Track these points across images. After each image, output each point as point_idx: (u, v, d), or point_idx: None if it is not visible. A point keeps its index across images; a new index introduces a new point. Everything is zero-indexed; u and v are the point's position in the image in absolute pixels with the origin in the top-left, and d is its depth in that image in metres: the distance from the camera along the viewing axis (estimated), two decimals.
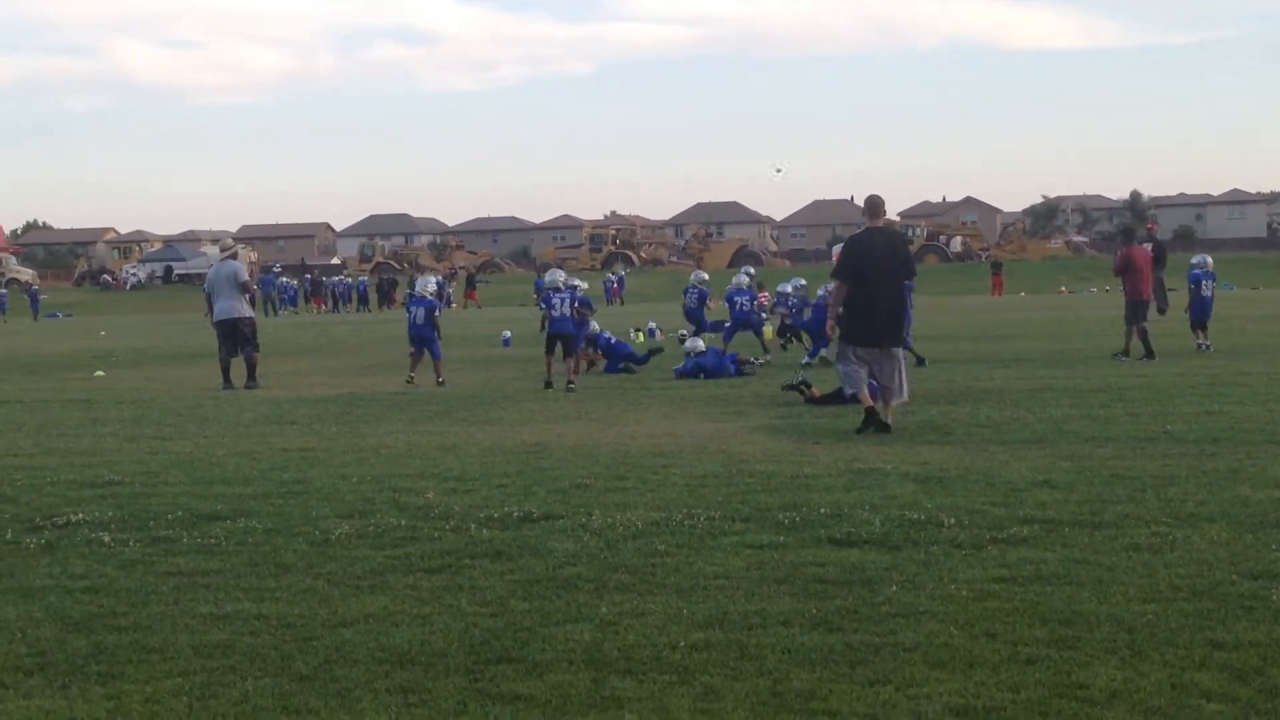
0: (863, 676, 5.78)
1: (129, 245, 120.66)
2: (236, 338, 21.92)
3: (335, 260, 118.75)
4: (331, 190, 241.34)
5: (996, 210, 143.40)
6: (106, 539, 8.98)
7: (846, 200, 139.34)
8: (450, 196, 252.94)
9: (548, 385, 20.19)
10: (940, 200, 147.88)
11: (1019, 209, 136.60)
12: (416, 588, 7.53)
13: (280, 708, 5.59)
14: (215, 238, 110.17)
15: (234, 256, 23.28)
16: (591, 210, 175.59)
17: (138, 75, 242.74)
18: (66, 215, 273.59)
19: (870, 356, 14.06)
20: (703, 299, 28.81)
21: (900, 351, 14.32)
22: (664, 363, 24.19)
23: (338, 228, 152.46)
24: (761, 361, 23.38)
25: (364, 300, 74.83)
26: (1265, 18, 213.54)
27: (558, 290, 21.21)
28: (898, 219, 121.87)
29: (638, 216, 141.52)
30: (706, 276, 30.25)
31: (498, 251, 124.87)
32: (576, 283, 23.47)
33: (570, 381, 20.27)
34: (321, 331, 43.38)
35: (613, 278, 69.79)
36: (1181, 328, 25.67)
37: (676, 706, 5.49)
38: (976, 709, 5.36)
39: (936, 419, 14.55)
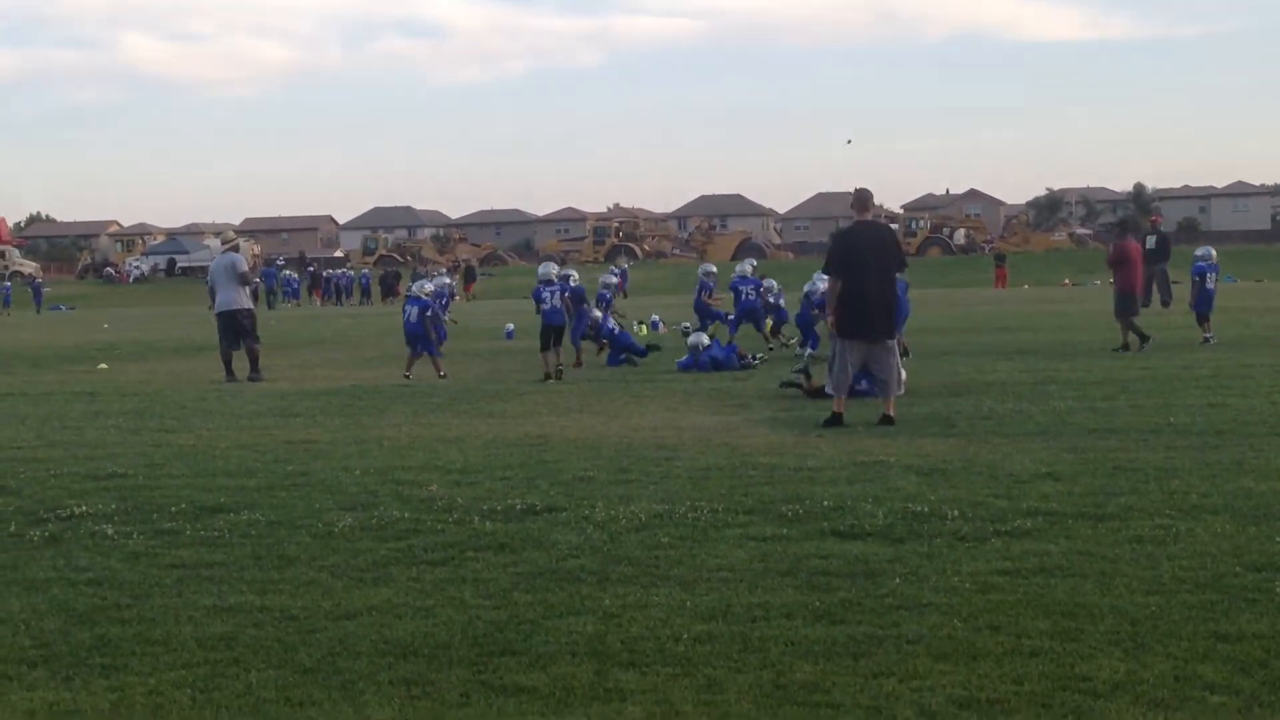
0: (866, 668, 5.79)
1: (132, 238, 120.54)
2: (236, 330, 21.93)
3: (338, 253, 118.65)
4: (335, 183, 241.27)
5: (1000, 203, 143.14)
6: (110, 531, 8.99)
7: (850, 193, 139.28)
8: (454, 189, 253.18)
9: (546, 378, 20.49)
10: (944, 192, 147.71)
11: (1023, 201, 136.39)
12: (420, 580, 7.53)
13: (283, 699, 5.60)
14: (218, 231, 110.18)
15: (235, 249, 23.28)
16: (595, 203, 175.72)
17: (143, 68, 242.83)
18: (70, 208, 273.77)
19: (864, 350, 14.03)
20: (704, 290, 28.72)
21: (894, 344, 14.30)
22: (667, 355, 24.20)
23: (341, 220, 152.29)
24: (762, 356, 23.33)
25: (366, 293, 74.83)
26: (1270, 10, 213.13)
27: (549, 283, 21.70)
28: (901, 211, 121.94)
29: (641, 209, 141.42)
30: (714, 269, 30.20)
31: (501, 244, 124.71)
32: (569, 273, 23.60)
33: (559, 368, 20.75)
34: (324, 324, 43.40)
35: (616, 271, 69.66)
36: (1186, 320, 25.65)
37: (679, 698, 5.50)
38: (980, 701, 5.36)
39: (940, 411, 14.54)
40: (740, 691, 5.56)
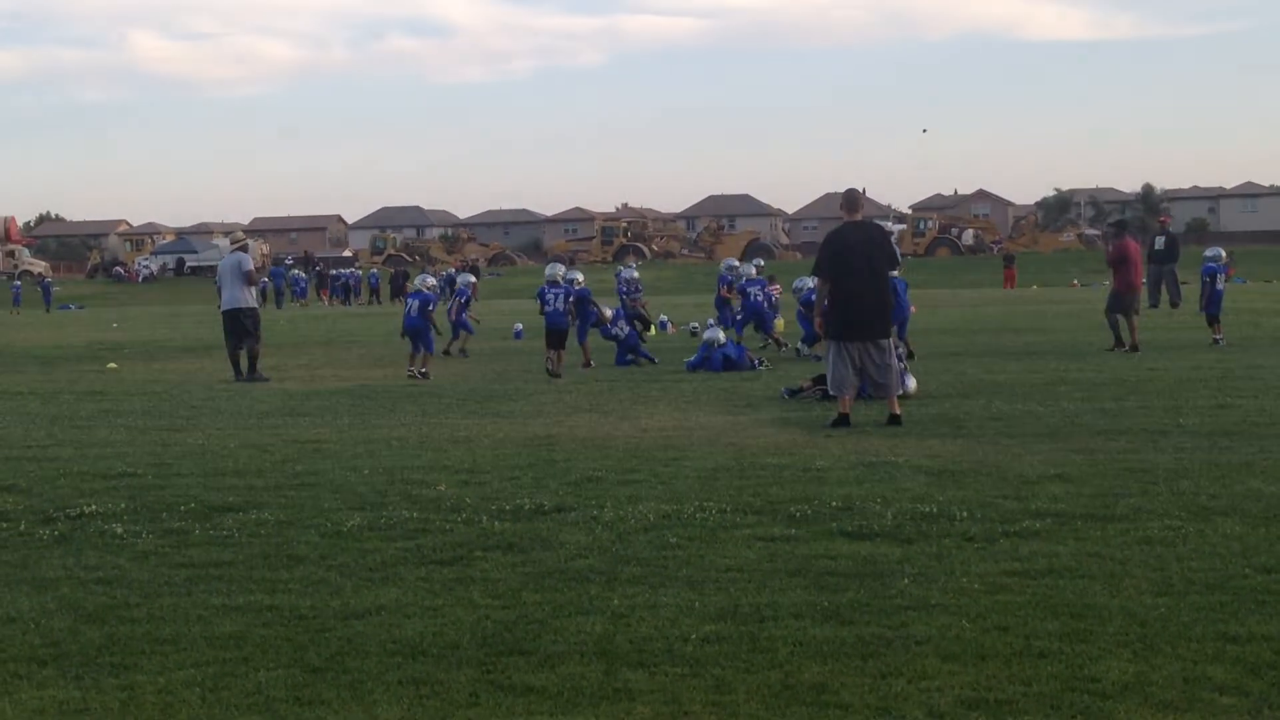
0: (874, 669, 5.78)
1: (141, 237, 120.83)
2: (239, 329, 21.97)
3: (347, 252, 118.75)
4: (343, 182, 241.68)
5: (1008, 203, 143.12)
6: (119, 530, 9.00)
7: (861, 194, 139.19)
8: (462, 189, 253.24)
9: (554, 376, 20.87)
10: (952, 193, 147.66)
11: (1031, 201, 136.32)
12: (428, 580, 7.54)
13: (293, 698, 5.61)
14: (227, 230, 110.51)
15: (243, 249, 23.33)
16: (603, 203, 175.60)
17: (151, 67, 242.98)
18: (79, 207, 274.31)
19: (860, 351, 13.99)
20: (722, 284, 28.50)
21: (889, 343, 14.25)
22: (675, 356, 24.19)
23: (349, 220, 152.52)
24: (767, 365, 23.23)
25: (375, 292, 74.83)
26: (1278, 10, 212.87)
27: (554, 284, 22.26)
28: (910, 211, 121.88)
29: (649, 209, 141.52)
30: (736, 263, 30.04)
31: (509, 244, 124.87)
32: (575, 275, 23.66)
33: (558, 370, 21.18)
34: (333, 324, 43.44)
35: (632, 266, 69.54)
36: (1195, 320, 25.62)
37: (688, 699, 5.50)
38: (988, 702, 5.36)
39: (948, 412, 14.54)
40: (749, 692, 5.56)
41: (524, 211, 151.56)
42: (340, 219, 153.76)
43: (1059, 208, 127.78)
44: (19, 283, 78.66)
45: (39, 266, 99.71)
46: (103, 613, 7.01)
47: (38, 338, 39.06)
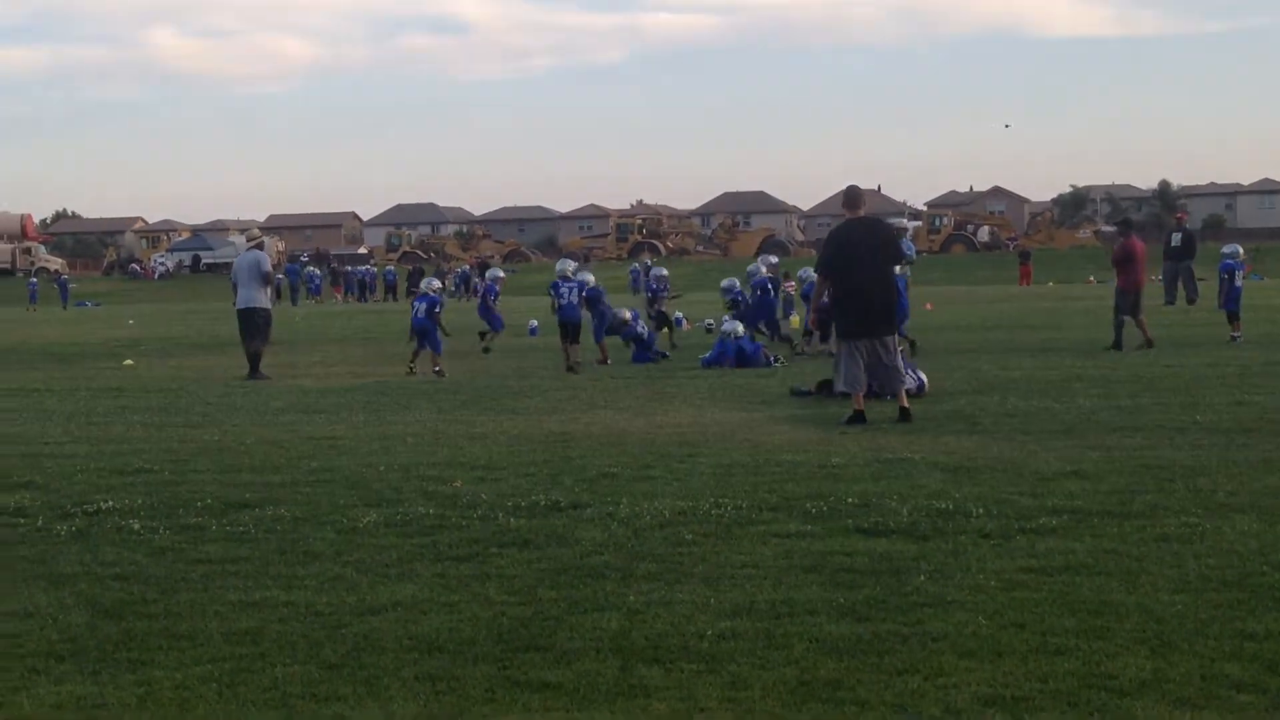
0: (890, 666, 5.78)
1: (157, 235, 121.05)
2: (250, 327, 22.02)
3: (362, 249, 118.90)
4: (359, 179, 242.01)
5: (1024, 200, 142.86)
6: (136, 526, 9.03)
7: (874, 190, 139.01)
8: (477, 186, 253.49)
9: (570, 369, 21.32)
10: (968, 190, 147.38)
11: (1047, 198, 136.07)
12: (444, 576, 7.55)
13: (309, 695, 5.62)
14: (243, 227, 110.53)
15: (260, 247, 23.37)
16: (618, 200, 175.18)
17: (168, 64, 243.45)
18: (96, 205, 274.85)
19: (866, 349, 13.97)
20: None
21: (894, 340, 14.22)
22: (690, 352, 24.20)
23: (365, 217, 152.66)
24: (782, 362, 23.22)
25: (391, 289, 74.86)
26: None
27: (566, 279, 22.77)
28: (925, 208, 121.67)
29: (664, 206, 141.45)
30: (776, 260, 29.90)
31: (524, 240, 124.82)
32: (586, 277, 23.75)
33: (576, 363, 21.68)
34: (348, 320, 43.49)
35: (639, 267, 69.54)
36: (1212, 317, 25.55)
37: (704, 695, 5.50)
38: (1005, 699, 5.35)
39: (964, 409, 14.52)
40: (765, 688, 5.56)
41: (539, 208, 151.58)
42: (355, 216, 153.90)
43: (1075, 204, 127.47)
44: (35, 279, 78.87)
45: (55, 263, 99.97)
46: (120, 608, 7.03)
47: (54, 335, 39.16)
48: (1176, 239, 36.65)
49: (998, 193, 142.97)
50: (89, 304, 74.53)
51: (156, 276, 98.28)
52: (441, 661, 6.00)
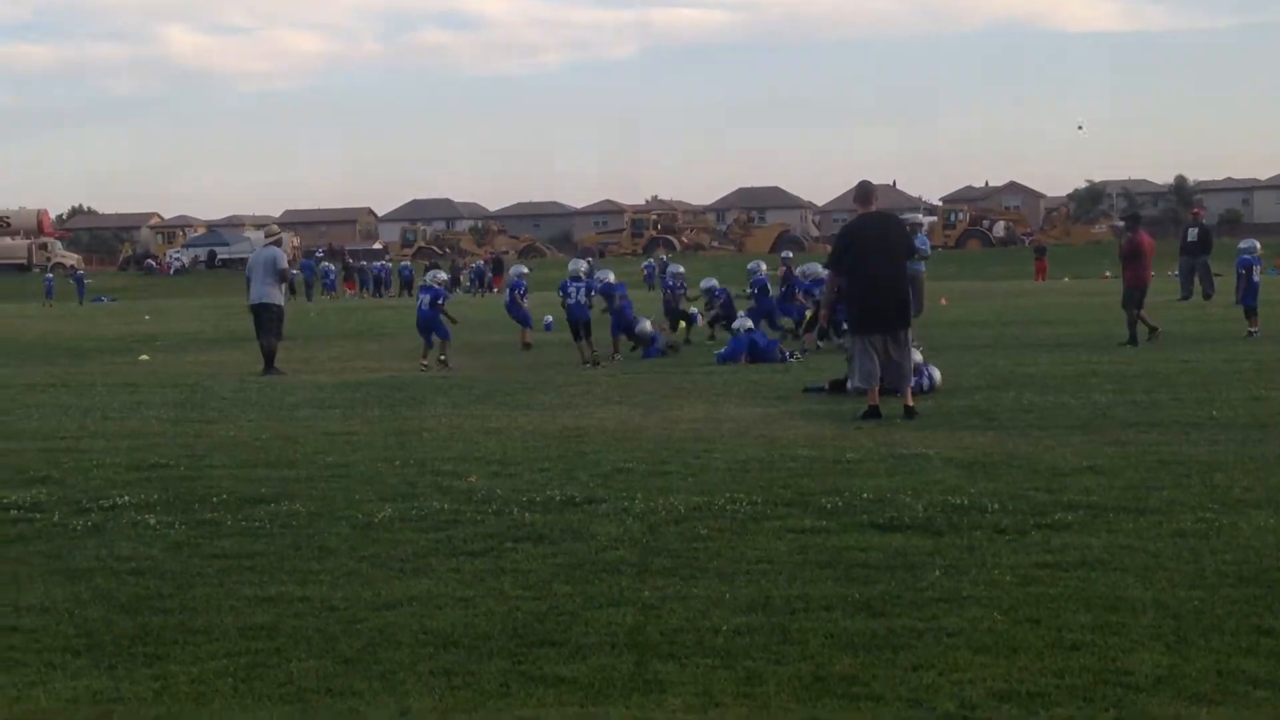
0: (906, 661, 5.78)
1: (173, 230, 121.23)
2: (262, 323, 22.05)
3: (377, 245, 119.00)
4: (373, 175, 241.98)
5: (1040, 195, 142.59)
6: (152, 521, 9.05)
7: (889, 185, 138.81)
8: (492, 181, 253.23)
9: (584, 364, 21.57)
10: (983, 185, 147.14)
11: (1063, 193, 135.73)
12: (459, 571, 7.55)
13: (325, 689, 5.63)
14: (259, 223, 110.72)
15: (277, 243, 23.40)
16: (633, 195, 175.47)
17: (182, 60, 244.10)
18: (111, 200, 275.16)
19: (881, 342, 13.94)
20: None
21: (907, 336, 14.18)
22: (705, 348, 24.19)
23: (380, 213, 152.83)
24: (797, 357, 23.19)
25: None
26: None
27: (576, 279, 22.98)
28: (940, 203, 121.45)
29: (679, 201, 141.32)
30: (789, 255, 29.91)
31: (539, 236, 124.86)
32: (606, 273, 23.76)
33: (595, 357, 21.83)
34: (364, 316, 43.53)
35: (653, 263, 69.50)
36: (1229, 313, 25.47)
37: (719, 690, 5.50)
38: (1020, 694, 5.35)
39: (979, 404, 14.49)
40: (780, 683, 5.56)
41: (554, 204, 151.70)
42: (371, 212, 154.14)
43: (1091, 199, 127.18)
44: (51, 275, 79.13)
45: (72, 259, 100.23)
46: (136, 603, 7.05)
47: (71, 330, 39.25)
48: (1193, 234, 36.53)
49: (1013, 188, 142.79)
50: (105, 299, 74.66)
51: (172, 272, 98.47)
52: (456, 656, 6.01)
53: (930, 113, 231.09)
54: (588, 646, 6.10)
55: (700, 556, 7.74)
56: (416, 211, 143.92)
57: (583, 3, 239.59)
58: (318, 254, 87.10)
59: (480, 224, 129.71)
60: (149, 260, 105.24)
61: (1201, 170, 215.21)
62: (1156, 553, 7.52)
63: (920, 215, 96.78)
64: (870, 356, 13.89)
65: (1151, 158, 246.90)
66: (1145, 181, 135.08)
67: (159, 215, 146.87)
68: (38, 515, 9.37)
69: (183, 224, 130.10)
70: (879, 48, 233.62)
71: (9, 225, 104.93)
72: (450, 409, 15.60)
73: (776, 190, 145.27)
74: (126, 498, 9.85)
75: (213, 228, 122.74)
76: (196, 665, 5.97)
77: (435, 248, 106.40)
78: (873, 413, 13.58)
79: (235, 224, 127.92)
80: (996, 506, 8.78)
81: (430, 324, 22.85)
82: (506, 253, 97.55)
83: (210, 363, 24.68)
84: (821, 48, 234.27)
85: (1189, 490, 9.24)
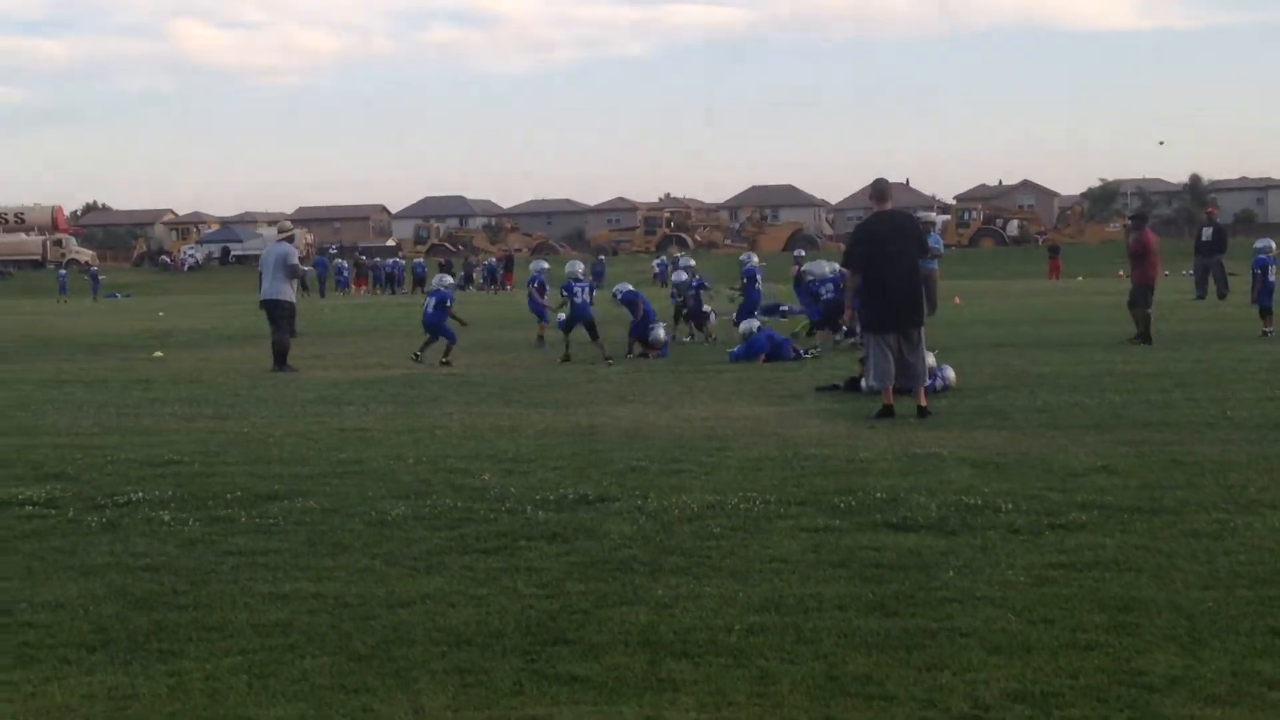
0: (919, 661, 5.77)
1: (187, 226, 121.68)
2: (273, 319, 22.09)
3: (390, 242, 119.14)
4: (387, 172, 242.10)
5: (1054, 194, 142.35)
6: (166, 518, 9.07)
7: (903, 183, 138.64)
8: (505, 179, 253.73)
9: (566, 359, 22.24)
10: (997, 183, 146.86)
11: (1077, 192, 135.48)
12: (473, 569, 7.56)
13: (339, 686, 5.64)
14: (272, 219, 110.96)
15: (290, 239, 23.41)
16: (646, 193, 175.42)
17: (196, 56, 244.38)
18: (125, 197, 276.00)
19: (894, 342, 13.92)
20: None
21: (920, 334, 14.15)
22: (719, 346, 24.19)
23: (393, 210, 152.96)
24: (814, 353, 23.18)
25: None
26: None
27: (577, 280, 23.65)
28: (954, 202, 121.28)
29: (692, 199, 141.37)
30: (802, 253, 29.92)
31: (552, 234, 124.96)
32: (622, 286, 23.87)
33: (608, 359, 22.03)
34: (377, 313, 43.59)
35: (665, 261, 69.47)
36: (1242, 312, 25.41)
37: (732, 689, 5.50)
38: (1034, 694, 5.34)
39: (993, 403, 14.48)
40: (793, 683, 5.56)
41: (567, 201, 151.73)
42: (384, 209, 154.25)
43: (1105, 198, 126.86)
44: (65, 271, 79.36)
45: (86, 255, 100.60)
46: (150, 599, 7.07)
47: (85, 326, 39.36)
48: (1207, 233, 36.47)
49: (1027, 186, 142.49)
50: (119, 295, 74.90)
51: (186, 268, 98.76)
52: (470, 654, 6.01)
53: (944, 110, 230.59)
54: (601, 645, 6.10)
55: (713, 555, 7.74)
56: (430, 209, 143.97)
57: (595, 0, 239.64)
58: (331, 250, 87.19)
59: (494, 221, 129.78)
60: (163, 256, 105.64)
61: (1216, 169, 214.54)
62: (1170, 553, 7.51)
63: (933, 214, 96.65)
64: (885, 355, 13.87)
65: (1166, 156, 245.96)
66: (1159, 180, 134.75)
67: (173, 211, 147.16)
68: (52, 511, 9.40)
69: (196, 220, 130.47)
70: (893, 45, 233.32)
71: (24, 221, 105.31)
72: (463, 407, 15.61)
73: (790, 188, 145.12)
74: (141, 494, 9.88)
75: (226, 224, 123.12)
76: (211, 662, 5.99)
77: (448, 245, 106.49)
78: (886, 412, 13.57)
79: (249, 220, 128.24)
80: (1010, 506, 8.77)
81: (435, 327, 23.14)
82: (520, 250, 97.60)
83: (224, 359, 24.72)
84: (834, 45, 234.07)
85: (1203, 490, 9.22)
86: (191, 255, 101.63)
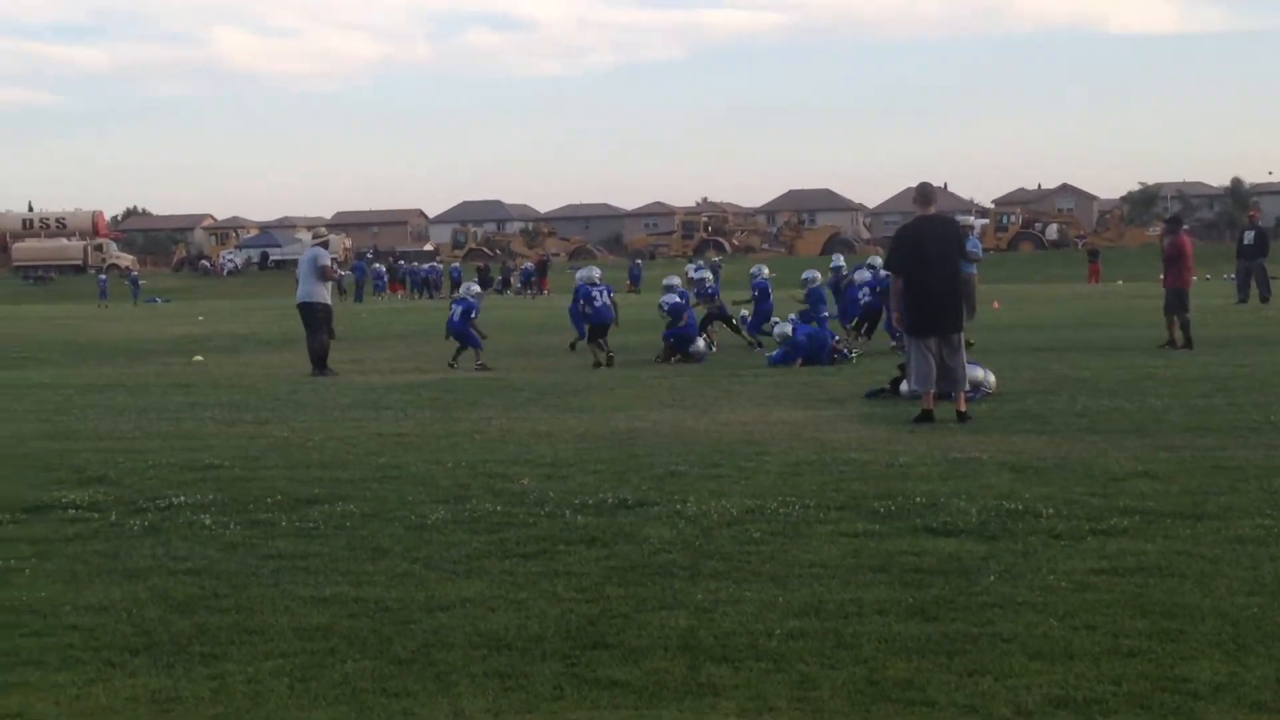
0: (961, 666, 5.75)
1: (226, 231, 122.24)
2: (309, 322, 22.17)
3: (428, 246, 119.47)
4: (424, 176, 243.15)
5: (1093, 197, 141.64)
6: (208, 521, 9.11)
7: (941, 187, 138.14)
8: (542, 183, 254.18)
9: (596, 365, 22.42)
10: (1035, 187, 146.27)
11: (1116, 196, 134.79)
12: (512, 573, 7.57)
13: (379, 689, 5.65)
14: (310, 224, 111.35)
15: (324, 244, 23.48)
16: (683, 197, 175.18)
17: (234, 62, 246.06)
18: (165, 202, 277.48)
19: (934, 347, 13.86)
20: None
21: (961, 338, 14.08)
22: (756, 350, 24.17)
23: (431, 214, 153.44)
24: (857, 353, 23.11)
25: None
26: None
27: (594, 284, 23.94)
28: (992, 206, 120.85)
29: (729, 204, 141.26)
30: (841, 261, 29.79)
31: (589, 238, 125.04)
32: (670, 296, 23.75)
33: (610, 355, 22.73)
34: (416, 317, 43.72)
35: (703, 265, 69.32)
36: None
37: (773, 694, 5.49)
38: (1077, 701, 5.31)
39: (1033, 408, 14.40)
40: (834, 688, 5.54)
41: (604, 206, 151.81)
42: (421, 213, 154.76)
43: (1145, 202, 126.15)
44: (105, 276, 79.89)
45: (126, 260, 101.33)
46: (192, 603, 7.10)
47: (125, 331, 39.61)
48: (1249, 237, 36.19)
49: (1066, 190, 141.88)
50: (159, 300, 75.35)
51: (225, 273, 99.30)
52: (510, 658, 6.02)
53: (982, 114, 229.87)
54: (641, 649, 6.09)
55: (753, 560, 7.72)
56: (467, 213, 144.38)
57: (631, 4, 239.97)
58: (368, 254, 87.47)
59: (531, 226, 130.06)
60: (203, 261, 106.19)
61: (1258, 173, 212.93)
62: (1214, 559, 7.45)
63: (972, 218, 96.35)
64: (926, 359, 13.82)
65: (1207, 160, 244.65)
66: (1200, 184, 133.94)
67: (212, 216, 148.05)
68: (95, 515, 9.46)
69: (235, 225, 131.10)
70: (930, 48, 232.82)
71: (65, 227, 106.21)
72: (501, 411, 15.63)
73: (827, 192, 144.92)
74: (182, 498, 9.93)
75: (265, 229, 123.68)
76: (253, 665, 6.01)
77: (486, 249, 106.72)
78: (926, 417, 13.52)
79: (287, 225, 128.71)
80: (1051, 511, 8.72)
81: (461, 335, 23.38)
82: (557, 254, 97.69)
83: (263, 364, 24.85)
84: (872, 48, 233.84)
85: (1246, 495, 9.15)
86: (231, 260, 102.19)
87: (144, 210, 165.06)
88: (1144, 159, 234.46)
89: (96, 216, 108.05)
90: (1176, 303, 22.28)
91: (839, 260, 29.37)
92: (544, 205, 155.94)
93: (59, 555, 8.29)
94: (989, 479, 10.05)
